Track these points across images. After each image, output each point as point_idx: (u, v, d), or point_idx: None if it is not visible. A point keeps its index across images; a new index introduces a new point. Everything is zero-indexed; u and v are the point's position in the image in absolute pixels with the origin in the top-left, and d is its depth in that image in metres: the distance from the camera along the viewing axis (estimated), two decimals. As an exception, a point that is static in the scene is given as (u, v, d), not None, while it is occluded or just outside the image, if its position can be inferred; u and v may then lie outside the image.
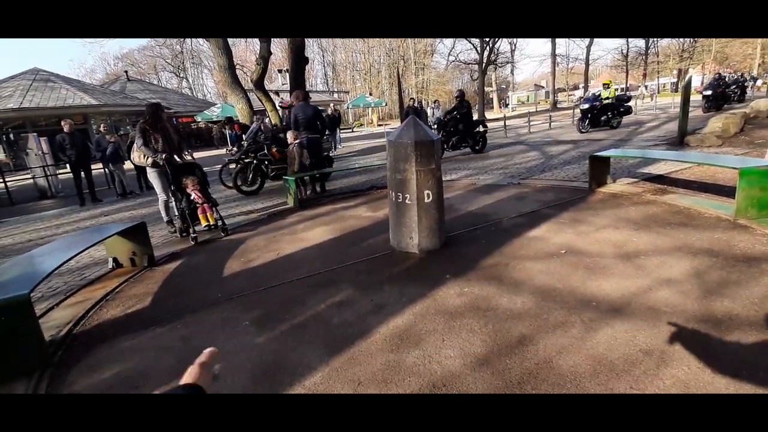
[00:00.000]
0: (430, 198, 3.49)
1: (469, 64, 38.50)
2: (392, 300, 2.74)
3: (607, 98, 12.67)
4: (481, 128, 10.63)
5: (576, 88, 50.98)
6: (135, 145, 4.93)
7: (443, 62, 48.15)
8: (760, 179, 3.46)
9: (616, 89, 14.00)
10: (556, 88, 40.57)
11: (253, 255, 4.00)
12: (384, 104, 34.56)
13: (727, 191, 4.62)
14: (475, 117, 12.26)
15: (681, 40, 43.68)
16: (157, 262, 4.12)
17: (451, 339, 2.20)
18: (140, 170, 9.34)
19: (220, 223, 4.93)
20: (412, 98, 16.46)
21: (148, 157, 4.82)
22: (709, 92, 14.88)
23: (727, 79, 16.70)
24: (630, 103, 13.43)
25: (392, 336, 2.30)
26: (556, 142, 11.30)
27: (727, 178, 5.21)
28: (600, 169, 5.33)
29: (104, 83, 28.84)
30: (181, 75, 46.69)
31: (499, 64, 39.90)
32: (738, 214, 3.55)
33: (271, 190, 7.94)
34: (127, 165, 9.33)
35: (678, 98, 13.78)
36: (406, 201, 3.51)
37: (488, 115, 31.16)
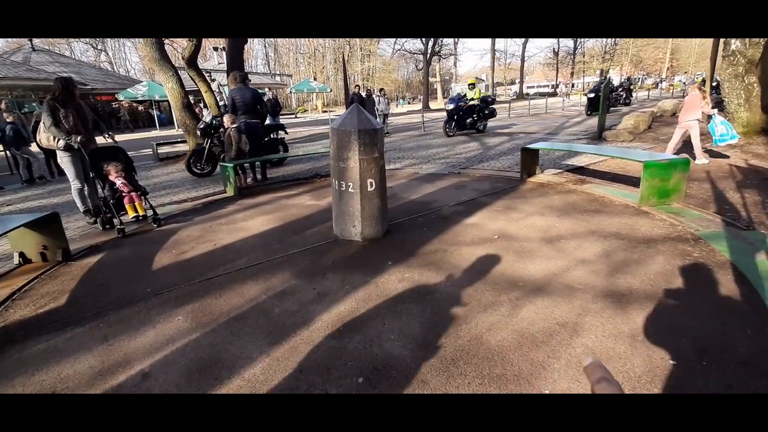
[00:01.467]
0: (373, 186, 3.53)
1: (414, 53, 38.91)
2: (335, 288, 2.76)
3: (472, 99, 11.91)
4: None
5: (513, 83, 53.86)
6: (42, 125, 4.37)
7: (389, 50, 48.22)
8: (660, 171, 3.96)
9: (483, 90, 14.11)
10: (495, 82, 42.53)
11: (186, 246, 3.78)
12: (329, 90, 33.85)
13: (635, 182, 5.22)
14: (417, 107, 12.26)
15: (604, 42, 47.88)
16: (73, 256, 3.74)
17: (392, 323, 2.28)
18: (50, 153, 8.31)
19: (150, 213, 4.58)
20: (357, 85, 16.27)
21: (58, 140, 4.31)
22: (592, 95, 15.14)
23: (614, 82, 17.12)
24: (494, 106, 12.40)
25: (335, 323, 2.33)
26: (493, 133, 11.90)
27: (635, 170, 5.88)
28: (530, 160, 5.73)
29: (3, 52, 24.92)
30: (99, 47, 41.72)
31: (443, 56, 40.84)
32: (641, 201, 4.04)
33: (206, 178, 7.50)
34: (35, 147, 8.24)
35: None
36: (349, 189, 3.52)
37: (432, 105, 31.87)
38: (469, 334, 2.13)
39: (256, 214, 4.72)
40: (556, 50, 46.69)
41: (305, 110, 34.02)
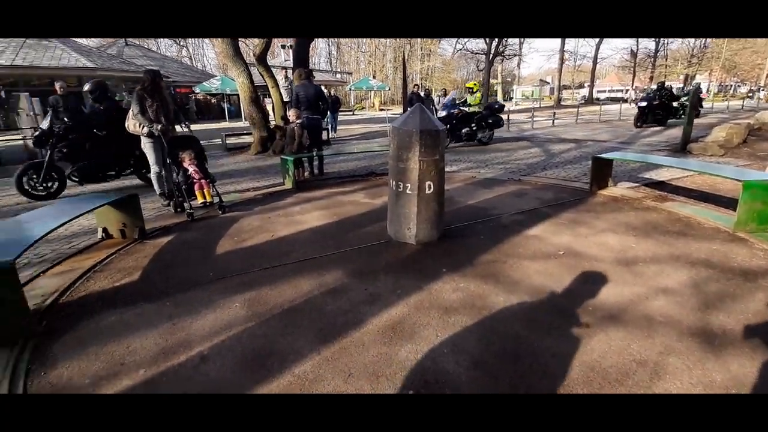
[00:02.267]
0: (431, 189, 3.43)
1: (476, 53, 37.93)
2: (387, 291, 2.70)
3: (470, 105, 10.24)
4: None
5: (581, 86, 50.60)
6: (131, 112, 4.78)
7: (450, 49, 47.45)
8: (763, 193, 3.44)
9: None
10: (561, 85, 40.25)
11: (247, 235, 3.94)
12: (387, 88, 34.04)
13: (726, 202, 4.62)
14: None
15: (691, 44, 43.37)
16: (148, 235, 4.04)
17: (445, 335, 2.17)
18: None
19: (217, 200, 4.84)
20: (417, 84, 16.16)
21: (143, 126, 4.68)
22: (644, 104, 13.34)
23: (675, 90, 14.51)
24: (502, 115, 11.05)
25: (385, 328, 2.27)
26: (558, 140, 11.23)
27: (726, 189, 5.21)
28: (602, 170, 5.28)
29: (101, 46, 27.93)
30: (181, 43, 45.44)
31: (507, 56, 39.38)
32: (737, 226, 3.54)
33: (268, 168, 7.82)
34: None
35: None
36: (407, 191, 3.44)
37: (491, 107, 30.87)
38: (530, 360, 1.96)
39: (312, 209, 4.81)
40: (635, 51, 43.06)
41: (363, 107, 34.52)
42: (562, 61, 37.73)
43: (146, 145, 4.96)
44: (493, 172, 6.82)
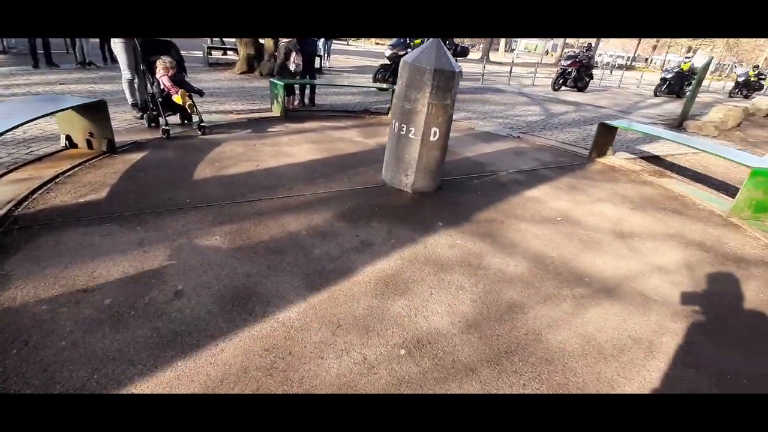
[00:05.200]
0: (437, 136, 3.17)
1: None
2: (380, 239, 2.54)
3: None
4: None
5: (588, 48, 48.64)
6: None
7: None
8: (768, 182, 3.39)
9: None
10: (565, 42, 38.51)
11: (229, 162, 3.61)
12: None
13: (717, 185, 4.61)
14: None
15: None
16: (117, 149, 3.65)
17: (440, 293, 2.07)
18: (104, 39, 8.14)
19: (197, 118, 4.38)
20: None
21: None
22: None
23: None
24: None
25: (377, 280, 2.14)
26: (558, 100, 10.86)
27: (719, 172, 5.19)
28: (605, 138, 5.10)
29: None
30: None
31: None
32: (733, 211, 3.52)
33: (254, 91, 7.20)
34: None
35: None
36: (410, 135, 3.17)
37: (492, 58, 29.41)
38: (525, 327, 1.89)
39: (301, 141, 4.47)
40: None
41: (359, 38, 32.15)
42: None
43: (116, 46, 4.36)
44: (491, 126, 6.53)
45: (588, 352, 1.78)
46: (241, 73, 9.11)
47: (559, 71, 12.69)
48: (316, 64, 8.12)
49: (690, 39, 41.24)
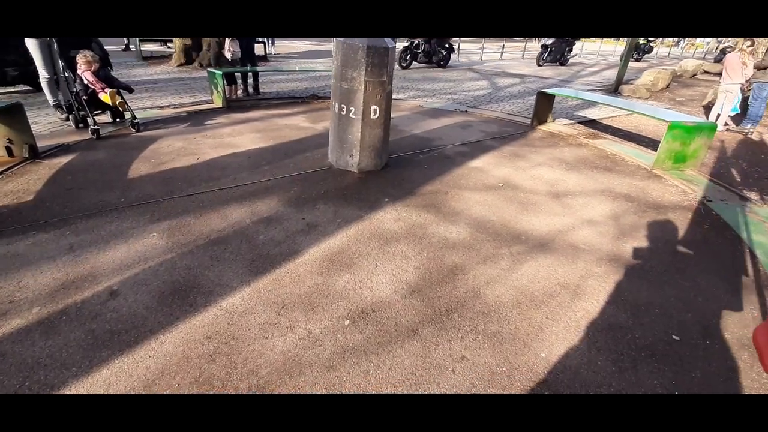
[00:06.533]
0: (377, 114, 3.19)
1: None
2: (326, 220, 2.56)
3: None
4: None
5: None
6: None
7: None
8: (684, 134, 3.69)
9: None
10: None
11: (167, 157, 3.47)
12: None
13: (647, 142, 4.96)
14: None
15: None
16: (41, 154, 3.40)
17: (385, 265, 2.14)
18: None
19: (129, 115, 4.15)
20: None
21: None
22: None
23: None
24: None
25: (323, 258, 2.17)
26: (505, 74, 11.14)
27: (648, 130, 5.58)
28: (544, 106, 5.33)
29: None
30: None
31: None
32: (656, 164, 3.82)
33: (193, 83, 6.87)
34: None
35: (621, 46, 14.20)
36: (350, 115, 3.17)
37: (442, 34, 29.49)
38: (465, 286, 2.00)
39: (245, 131, 4.35)
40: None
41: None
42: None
43: (28, 42, 4.02)
44: (440, 102, 6.63)
45: (521, 302, 1.91)
46: (178, 65, 8.64)
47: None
48: (260, 51, 7.85)
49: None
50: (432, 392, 1.42)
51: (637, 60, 16.75)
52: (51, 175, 3.01)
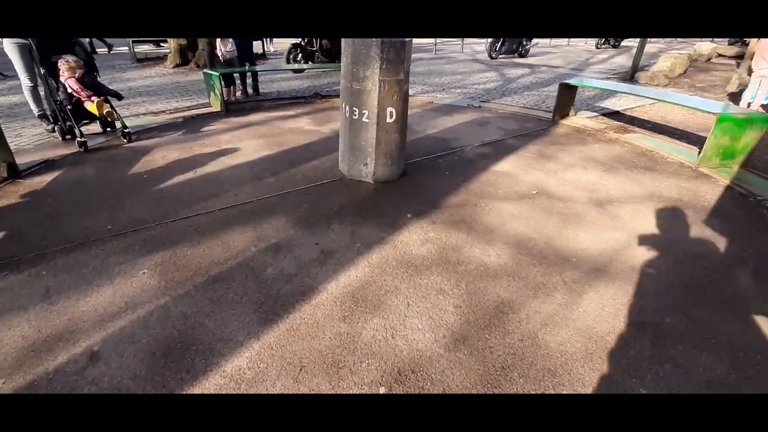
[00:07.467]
0: (393, 117, 2.83)
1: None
2: (343, 245, 2.22)
3: None
4: None
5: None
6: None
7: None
8: (734, 128, 3.30)
9: None
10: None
11: (160, 171, 3.13)
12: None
13: (678, 135, 4.57)
14: None
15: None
16: (23, 172, 3.07)
17: (418, 303, 1.79)
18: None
19: (119, 124, 3.80)
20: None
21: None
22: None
23: None
24: None
25: (344, 296, 1.82)
26: (513, 64, 10.69)
27: (677, 120, 5.17)
28: (566, 98, 4.94)
29: None
30: None
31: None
32: (702, 161, 3.44)
33: (190, 85, 6.50)
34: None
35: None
36: (363, 119, 2.81)
37: (442, 25, 28.80)
38: (519, 330, 1.65)
39: (245, 137, 4.00)
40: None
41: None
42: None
43: (7, 48, 3.68)
44: (451, 97, 6.24)
45: (592, 352, 1.56)
46: (174, 67, 8.27)
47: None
48: (258, 49, 7.48)
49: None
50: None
51: (614, 47, 15.56)
52: (30, 199, 2.68)
